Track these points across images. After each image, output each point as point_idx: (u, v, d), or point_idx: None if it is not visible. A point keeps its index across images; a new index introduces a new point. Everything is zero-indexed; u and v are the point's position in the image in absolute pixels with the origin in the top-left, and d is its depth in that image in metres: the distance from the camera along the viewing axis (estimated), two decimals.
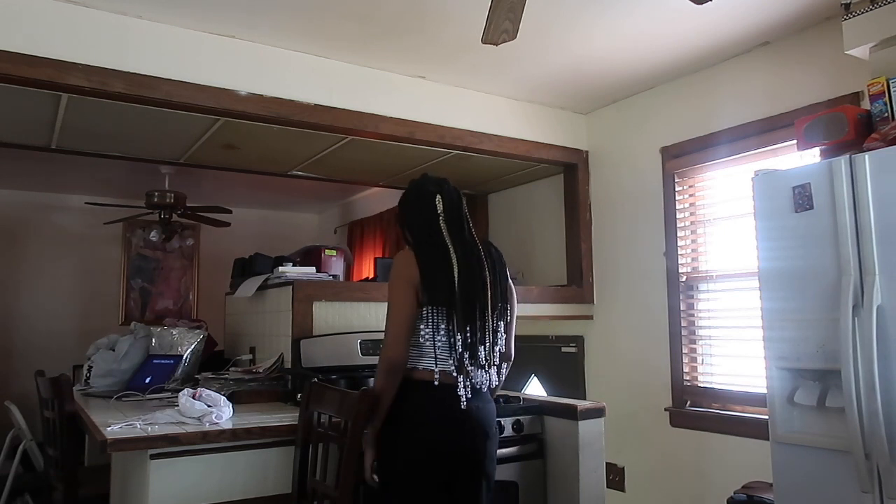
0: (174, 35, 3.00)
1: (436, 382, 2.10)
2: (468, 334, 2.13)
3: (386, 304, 2.21)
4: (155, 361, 3.33)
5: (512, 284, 2.35)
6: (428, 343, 2.13)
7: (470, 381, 2.13)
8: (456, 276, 2.15)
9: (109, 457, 2.53)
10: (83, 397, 3.09)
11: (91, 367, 3.34)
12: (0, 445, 3.76)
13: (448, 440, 2.10)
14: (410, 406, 2.11)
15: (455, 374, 2.11)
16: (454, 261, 2.16)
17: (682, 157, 3.65)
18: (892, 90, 2.36)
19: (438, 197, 2.24)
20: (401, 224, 2.33)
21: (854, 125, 2.37)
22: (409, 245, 2.25)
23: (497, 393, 2.36)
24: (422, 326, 2.14)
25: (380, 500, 2.13)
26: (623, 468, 3.84)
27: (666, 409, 3.62)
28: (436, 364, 2.11)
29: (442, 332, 2.12)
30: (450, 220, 2.23)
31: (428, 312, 2.13)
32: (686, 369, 3.59)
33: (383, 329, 2.21)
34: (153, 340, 3.48)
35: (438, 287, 2.13)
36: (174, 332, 3.51)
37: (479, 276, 2.20)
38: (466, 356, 2.12)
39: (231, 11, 2.91)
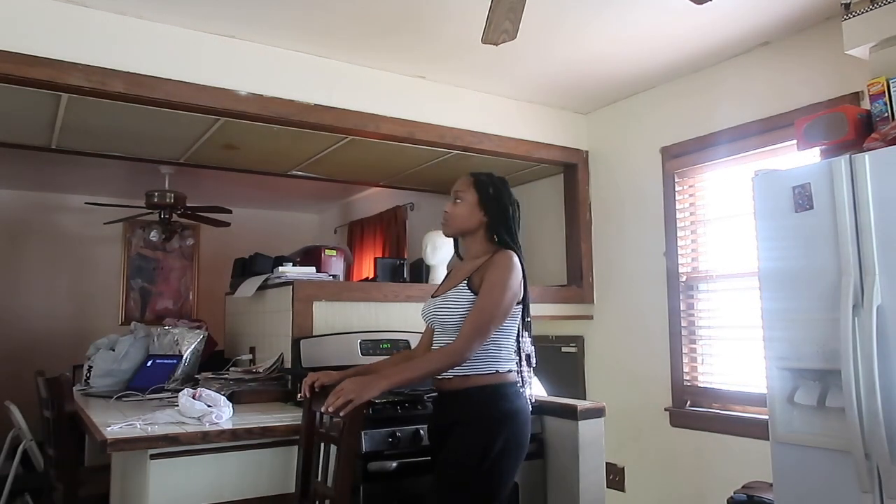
0: (174, 35, 3.00)
1: (520, 385, 2.20)
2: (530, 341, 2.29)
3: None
4: (155, 361, 3.33)
5: None
6: (511, 344, 2.21)
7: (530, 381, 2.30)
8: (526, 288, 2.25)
9: (109, 457, 2.53)
10: (83, 397, 3.08)
11: (91, 367, 3.34)
12: (0, 445, 3.76)
13: (529, 435, 2.20)
14: (513, 407, 2.14)
15: (522, 376, 2.24)
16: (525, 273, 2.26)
17: (682, 157, 3.65)
18: (892, 90, 2.36)
19: (517, 211, 2.32)
20: (503, 217, 2.29)
21: (854, 125, 2.37)
22: (506, 237, 2.26)
23: None
24: (512, 327, 2.21)
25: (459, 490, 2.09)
26: (623, 468, 3.84)
27: (666, 409, 3.62)
28: (517, 366, 2.23)
29: (521, 336, 2.25)
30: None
31: (517, 314, 2.21)
32: (686, 369, 3.59)
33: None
34: (153, 340, 3.48)
35: (526, 295, 2.23)
36: (174, 332, 3.51)
37: None
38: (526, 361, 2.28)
39: (231, 11, 2.91)
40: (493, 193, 2.28)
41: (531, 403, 2.25)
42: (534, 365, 2.32)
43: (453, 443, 2.11)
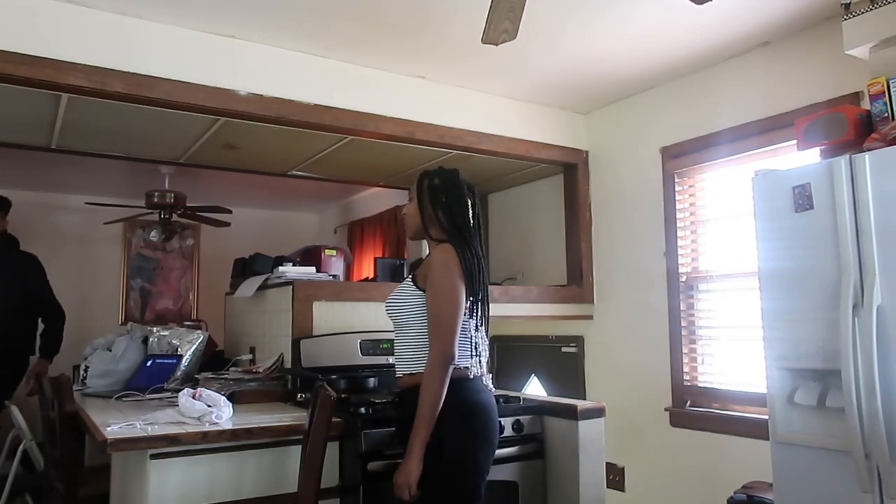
0: (174, 35, 3.00)
1: (471, 377, 2.16)
2: (486, 335, 2.22)
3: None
4: (155, 361, 3.33)
5: None
6: (466, 340, 2.16)
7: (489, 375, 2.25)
8: (482, 279, 2.20)
9: (109, 457, 2.52)
10: (83, 397, 3.08)
11: (87, 367, 3.34)
12: (0, 445, 3.76)
13: (495, 431, 2.16)
14: (467, 401, 2.11)
15: (480, 369, 2.19)
16: (483, 264, 2.21)
17: (682, 157, 3.65)
18: (892, 90, 2.36)
19: (470, 202, 2.27)
20: (436, 210, 2.25)
21: (854, 125, 2.37)
22: (443, 232, 2.23)
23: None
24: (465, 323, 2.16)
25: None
26: (623, 468, 3.84)
27: (666, 409, 3.62)
28: (470, 361, 2.17)
29: (474, 330, 2.18)
30: (476, 226, 2.27)
31: (466, 309, 2.16)
32: (686, 369, 3.59)
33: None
34: (153, 341, 3.48)
35: (476, 286, 2.16)
36: (173, 333, 3.51)
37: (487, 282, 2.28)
38: (486, 355, 2.23)
39: (231, 11, 2.91)
40: (433, 188, 2.26)
41: (493, 398, 2.21)
42: (484, 357, 2.23)
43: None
